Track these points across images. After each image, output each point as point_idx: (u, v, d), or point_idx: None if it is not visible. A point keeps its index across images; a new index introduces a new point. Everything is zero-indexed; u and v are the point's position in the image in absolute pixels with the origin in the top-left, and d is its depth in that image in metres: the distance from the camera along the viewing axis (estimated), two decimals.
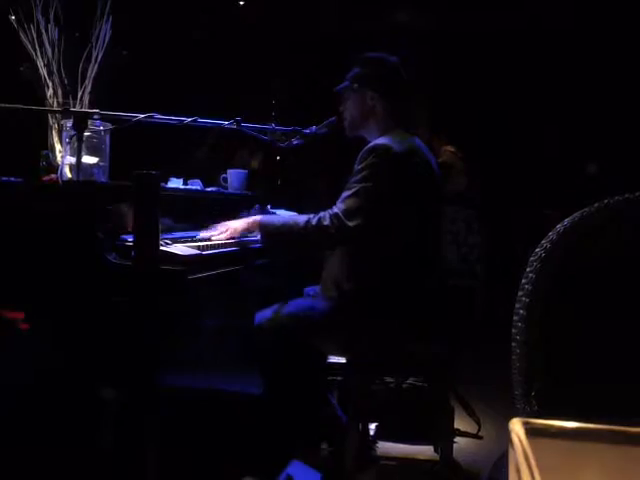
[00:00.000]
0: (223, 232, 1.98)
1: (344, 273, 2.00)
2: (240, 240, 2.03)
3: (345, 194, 1.94)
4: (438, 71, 4.88)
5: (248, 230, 2.02)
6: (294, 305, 2.06)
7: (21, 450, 1.71)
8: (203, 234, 1.96)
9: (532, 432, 0.63)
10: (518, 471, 0.54)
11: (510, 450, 0.60)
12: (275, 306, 2.07)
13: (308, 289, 2.35)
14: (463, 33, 5.10)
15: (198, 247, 1.79)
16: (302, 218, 1.96)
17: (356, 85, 2.13)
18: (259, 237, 2.04)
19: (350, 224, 1.88)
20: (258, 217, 2.04)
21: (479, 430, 2.50)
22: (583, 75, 4.97)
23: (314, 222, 1.91)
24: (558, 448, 0.64)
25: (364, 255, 2.00)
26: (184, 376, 2.53)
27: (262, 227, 1.99)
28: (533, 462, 0.53)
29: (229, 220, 2.03)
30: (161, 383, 1.58)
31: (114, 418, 1.76)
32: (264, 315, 2.05)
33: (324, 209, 1.95)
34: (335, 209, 1.91)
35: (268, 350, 2.00)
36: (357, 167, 1.96)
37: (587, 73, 4.96)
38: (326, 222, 1.89)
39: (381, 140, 1.98)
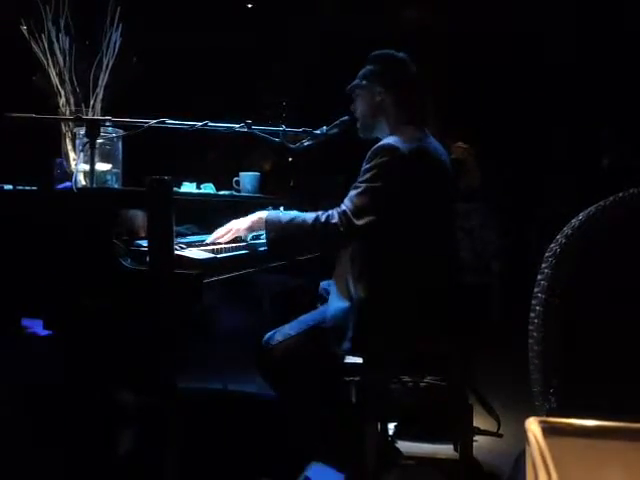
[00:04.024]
0: (227, 233, 1.95)
1: (357, 273, 1.99)
2: (253, 243, 2.03)
3: (353, 192, 1.91)
4: (449, 69, 4.86)
5: (253, 229, 1.98)
6: (305, 320, 2.04)
7: (42, 453, 1.73)
8: (209, 239, 1.94)
9: (550, 431, 0.62)
10: (535, 470, 0.54)
11: (527, 449, 0.60)
12: (286, 326, 2.05)
13: (324, 283, 2.34)
14: (475, 32, 5.08)
15: (212, 250, 1.80)
16: (310, 216, 1.91)
17: (364, 82, 2.12)
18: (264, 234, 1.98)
19: (358, 223, 1.86)
20: (263, 213, 1.97)
21: (499, 428, 2.47)
22: (594, 70, 4.93)
23: (322, 220, 1.87)
24: (577, 447, 0.63)
25: (376, 254, 1.98)
26: (200, 378, 2.54)
27: (268, 224, 1.94)
28: (550, 461, 0.52)
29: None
30: (178, 386, 1.59)
31: (134, 422, 1.77)
32: (275, 335, 2.03)
33: (332, 208, 1.91)
34: (343, 207, 1.89)
35: (280, 372, 2.00)
36: (364, 167, 1.95)
37: (597, 68, 4.91)
38: (334, 220, 1.86)
39: (389, 140, 1.97)
